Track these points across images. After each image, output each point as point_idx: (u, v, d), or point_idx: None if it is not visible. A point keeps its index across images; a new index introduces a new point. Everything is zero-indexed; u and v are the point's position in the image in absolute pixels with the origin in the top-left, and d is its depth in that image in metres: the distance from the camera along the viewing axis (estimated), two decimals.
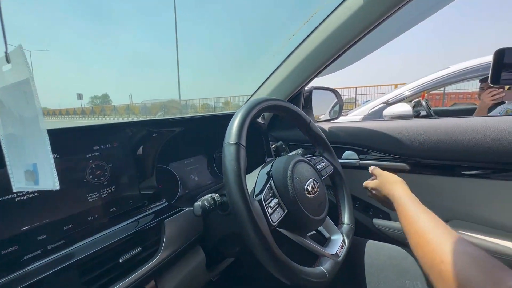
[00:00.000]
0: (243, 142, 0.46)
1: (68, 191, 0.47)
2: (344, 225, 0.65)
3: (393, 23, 0.74)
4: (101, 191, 0.52)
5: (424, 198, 0.80)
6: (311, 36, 0.80)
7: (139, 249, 0.50)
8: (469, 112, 2.38)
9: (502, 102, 1.72)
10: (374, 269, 0.62)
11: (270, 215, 0.46)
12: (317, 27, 0.78)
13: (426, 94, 2.44)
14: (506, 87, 1.69)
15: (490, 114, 1.75)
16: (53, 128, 0.46)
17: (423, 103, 2.39)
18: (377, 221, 0.87)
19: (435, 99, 8.35)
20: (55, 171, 0.24)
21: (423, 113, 2.37)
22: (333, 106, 1.23)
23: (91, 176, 0.50)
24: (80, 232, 0.47)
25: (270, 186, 0.51)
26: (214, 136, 0.89)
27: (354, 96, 11.62)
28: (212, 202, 0.50)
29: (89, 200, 0.50)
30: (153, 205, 0.60)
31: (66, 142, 0.48)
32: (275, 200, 0.49)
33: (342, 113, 1.23)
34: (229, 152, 0.45)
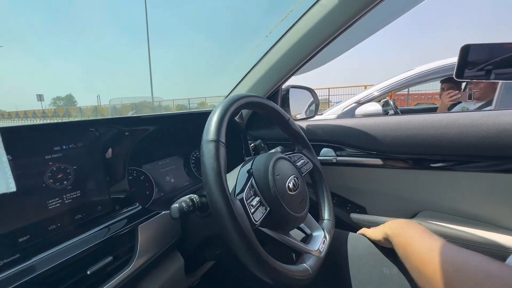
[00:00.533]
0: (223, 139, 0.44)
1: (23, 198, 0.42)
2: (325, 220, 0.65)
3: (367, 22, 0.77)
4: (64, 196, 0.46)
5: (397, 191, 0.85)
6: (287, 34, 0.80)
7: (110, 258, 0.46)
8: (430, 111, 2.58)
9: (459, 102, 1.88)
10: (355, 260, 0.64)
11: (252, 214, 0.44)
12: (293, 25, 0.78)
13: (393, 94, 2.59)
14: (463, 85, 1.84)
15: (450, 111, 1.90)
16: (3, 126, 0.41)
17: (391, 102, 2.54)
18: (354, 216, 0.89)
19: (400, 100, 8.93)
20: (10, 172, 0.20)
21: (391, 112, 2.52)
22: (309, 105, 1.24)
23: (51, 180, 0.45)
24: (39, 243, 0.42)
25: (251, 184, 0.50)
26: (190, 135, 0.85)
27: (328, 96, 12.06)
28: (190, 203, 0.47)
29: (49, 207, 0.44)
30: (126, 210, 0.55)
31: (19, 143, 0.42)
32: (257, 199, 0.48)
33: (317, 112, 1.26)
34: (207, 149, 0.42)
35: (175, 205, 0.45)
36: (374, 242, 0.65)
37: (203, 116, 0.51)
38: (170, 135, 0.80)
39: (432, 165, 0.76)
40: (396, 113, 2.49)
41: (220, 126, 0.45)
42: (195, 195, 0.49)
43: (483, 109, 1.62)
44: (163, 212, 0.57)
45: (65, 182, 0.47)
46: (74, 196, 0.48)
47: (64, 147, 0.47)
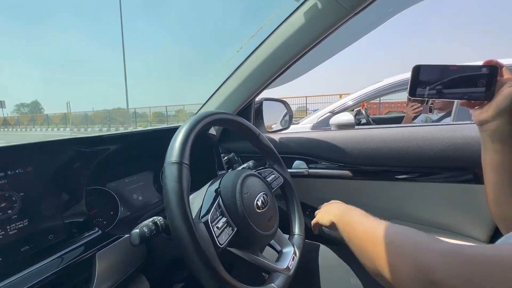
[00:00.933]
0: (186, 160, 0.43)
1: None
2: (295, 236, 0.65)
3: (337, 38, 0.80)
4: (8, 227, 0.42)
5: (366, 201, 0.88)
6: (258, 50, 0.81)
7: None
8: (399, 120, 2.72)
9: (420, 113, 2.02)
10: (325, 272, 0.65)
11: (217, 236, 0.43)
12: (264, 40, 0.80)
13: (365, 104, 2.72)
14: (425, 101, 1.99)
15: (415, 121, 2.03)
16: None
17: (363, 112, 2.67)
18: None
19: (373, 108, 9.40)
20: None
21: (363, 121, 2.64)
22: (284, 116, 1.27)
23: None
24: None
25: (218, 204, 0.49)
26: (159, 151, 0.83)
27: (305, 104, 12.40)
28: (153, 227, 0.45)
29: None
30: (83, 236, 0.51)
31: None
32: (224, 219, 0.47)
33: (294, 121, 1.28)
34: (170, 172, 0.41)
35: (136, 230, 0.43)
36: (343, 254, 0.66)
37: (172, 132, 0.49)
38: (137, 151, 0.77)
39: (397, 176, 0.80)
40: (367, 122, 2.61)
41: (184, 147, 0.44)
42: (160, 217, 0.48)
43: (442, 121, 1.75)
44: (126, 236, 0.54)
45: (9, 211, 0.42)
46: (20, 225, 0.43)
47: (9, 172, 0.43)
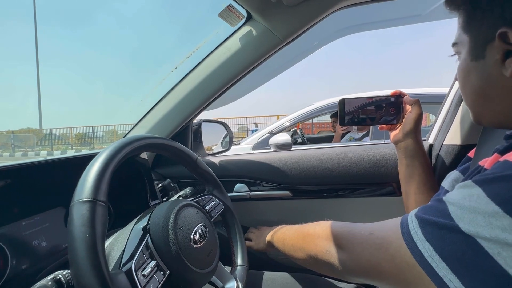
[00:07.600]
0: (102, 197, 0.36)
1: None
2: (238, 267, 0.61)
3: (273, 63, 0.84)
4: None
5: (305, 220, 0.89)
6: (195, 71, 0.79)
7: None
8: (329, 138, 3.04)
9: (349, 131, 2.33)
10: None
11: (143, 287, 0.36)
12: (200, 62, 0.78)
13: (300, 125, 2.95)
14: None
15: (341, 140, 2.30)
16: None
17: (298, 132, 2.88)
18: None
19: (307, 128, 10.34)
20: None
21: (299, 140, 2.85)
22: (224, 137, 1.25)
23: None
24: None
25: (146, 245, 0.42)
26: (75, 182, 0.69)
27: (246, 125, 12.77)
28: (53, 287, 0.35)
29: None
30: None
31: None
32: (153, 263, 0.40)
33: (235, 142, 1.27)
34: (79, 213, 0.33)
35: None
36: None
37: (88, 160, 0.41)
38: (41, 185, 0.62)
39: (328, 194, 0.84)
40: (303, 141, 2.82)
41: (100, 180, 0.37)
42: (66, 271, 0.38)
43: (363, 139, 2.03)
44: None
45: None
46: None
47: None
